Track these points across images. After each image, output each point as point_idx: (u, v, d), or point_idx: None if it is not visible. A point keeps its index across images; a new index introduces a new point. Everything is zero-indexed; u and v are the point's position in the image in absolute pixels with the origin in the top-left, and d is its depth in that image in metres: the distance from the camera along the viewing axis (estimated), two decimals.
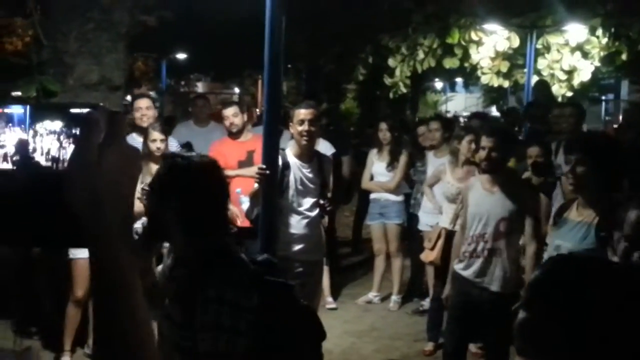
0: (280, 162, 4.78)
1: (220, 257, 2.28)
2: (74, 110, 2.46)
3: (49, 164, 2.38)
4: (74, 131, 2.38)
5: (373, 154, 7.54)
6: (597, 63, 11.75)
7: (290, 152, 5.03)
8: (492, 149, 4.57)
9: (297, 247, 4.95)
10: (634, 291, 1.56)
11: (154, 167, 5.54)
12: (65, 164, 2.32)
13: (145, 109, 6.32)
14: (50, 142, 2.40)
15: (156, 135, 5.77)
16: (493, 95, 22.34)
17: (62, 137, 2.39)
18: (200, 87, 27.69)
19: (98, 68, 6.13)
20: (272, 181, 4.42)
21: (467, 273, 4.67)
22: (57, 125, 2.42)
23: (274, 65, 4.17)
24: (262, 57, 4.18)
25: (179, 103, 20.69)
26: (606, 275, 1.61)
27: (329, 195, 5.19)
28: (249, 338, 2.14)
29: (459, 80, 23.42)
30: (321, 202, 5.04)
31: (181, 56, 18.47)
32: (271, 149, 4.38)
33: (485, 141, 4.62)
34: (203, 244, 2.29)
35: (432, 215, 6.56)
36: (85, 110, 2.42)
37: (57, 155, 2.38)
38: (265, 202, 4.39)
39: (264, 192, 4.40)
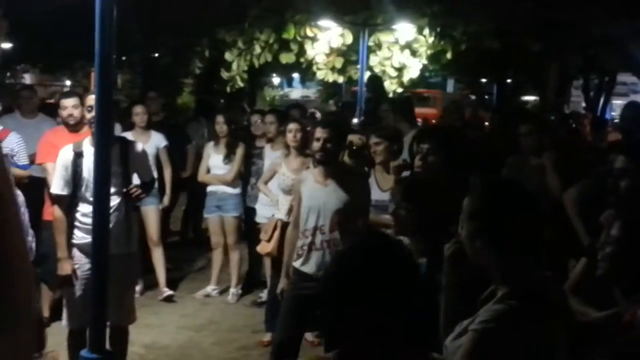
0: (72, 152, 4.77)
1: None
2: None
3: None
4: None
5: (210, 146, 7.50)
6: (424, 61, 12.34)
7: (87, 141, 4.87)
8: (327, 140, 4.65)
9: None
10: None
11: None
12: None
13: None
14: None
15: None
16: (329, 90, 22.84)
17: None
18: (27, 79, 26.25)
19: None
20: (106, 177, 4.23)
21: (307, 268, 4.70)
22: None
23: (106, 57, 4.00)
24: (94, 48, 4.02)
25: (3, 94, 19.51)
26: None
27: (137, 182, 5.06)
28: None
29: (295, 75, 23.75)
30: (125, 190, 4.87)
31: (6, 45, 17.39)
32: (103, 144, 4.20)
33: (320, 132, 4.69)
34: None
35: (269, 208, 6.61)
36: None
37: None
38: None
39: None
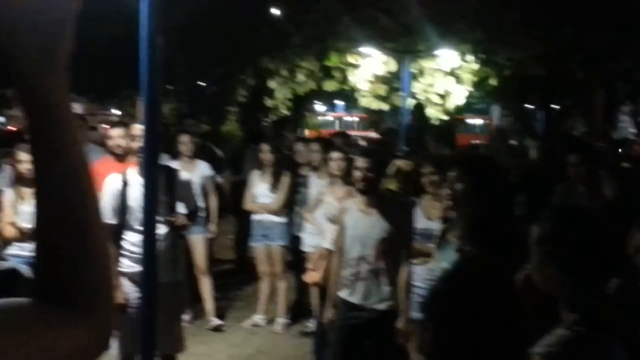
0: (120, 180, 4.86)
1: None
2: None
3: None
4: None
5: (255, 175, 7.53)
6: (469, 88, 12.27)
7: (133, 170, 4.95)
8: (368, 170, 4.66)
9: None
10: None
11: (26, 191, 5.31)
12: None
13: None
14: None
15: (23, 156, 5.34)
16: (374, 117, 22.86)
17: None
18: (76, 108, 26.83)
19: None
20: (155, 203, 4.30)
21: (354, 298, 4.68)
22: None
23: (152, 86, 4.08)
24: (140, 78, 4.10)
25: None
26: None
27: (183, 211, 5.11)
28: None
29: (339, 102, 23.81)
30: (170, 219, 4.92)
31: None
32: (151, 172, 4.27)
33: (360, 162, 4.70)
34: None
35: (316, 236, 6.61)
36: None
37: None
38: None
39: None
